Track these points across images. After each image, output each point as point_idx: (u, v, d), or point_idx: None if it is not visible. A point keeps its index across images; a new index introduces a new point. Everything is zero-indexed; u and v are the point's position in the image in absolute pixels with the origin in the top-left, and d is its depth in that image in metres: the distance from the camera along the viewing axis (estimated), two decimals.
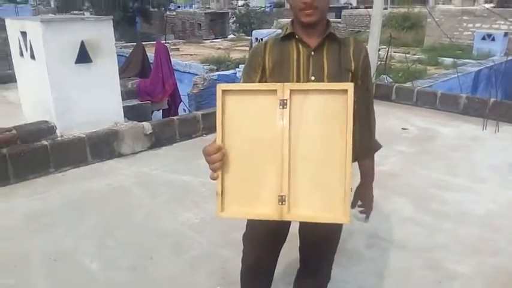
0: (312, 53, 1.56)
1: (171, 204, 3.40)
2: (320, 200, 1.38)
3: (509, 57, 11.47)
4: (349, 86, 1.30)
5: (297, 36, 1.57)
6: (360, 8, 23.99)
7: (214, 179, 1.38)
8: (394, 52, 11.02)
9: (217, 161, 1.36)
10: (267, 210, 1.40)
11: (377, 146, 1.80)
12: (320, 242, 1.80)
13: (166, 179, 3.88)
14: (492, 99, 5.71)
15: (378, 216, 3.22)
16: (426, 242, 2.89)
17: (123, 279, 2.48)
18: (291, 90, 1.34)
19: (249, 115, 1.38)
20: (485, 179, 3.89)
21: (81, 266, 2.60)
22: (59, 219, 3.12)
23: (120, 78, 4.83)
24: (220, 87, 1.36)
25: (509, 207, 3.35)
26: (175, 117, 4.97)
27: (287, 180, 1.37)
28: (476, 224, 3.11)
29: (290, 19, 1.63)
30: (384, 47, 9.37)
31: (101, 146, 4.14)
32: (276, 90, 1.35)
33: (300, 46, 1.57)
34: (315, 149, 1.36)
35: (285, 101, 1.34)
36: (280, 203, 1.38)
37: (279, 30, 1.69)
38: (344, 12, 24.50)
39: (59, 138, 3.96)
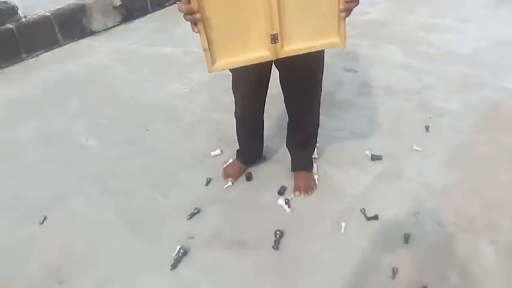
0: None
1: (155, 77, 3.30)
2: (313, 29, 1.33)
3: None
4: None
5: None
6: None
7: (196, 32, 1.29)
8: None
9: (192, 20, 1.25)
10: (260, 53, 1.35)
11: None
12: (301, 87, 1.83)
13: (145, 52, 3.71)
14: None
15: (369, 65, 3.20)
16: (415, 84, 2.92)
17: (123, 151, 2.51)
18: None
19: None
20: (472, 17, 3.80)
21: (77, 144, 2.60)
22: (43, 105, 3.04)
23: None
24: None
25: (496, 42, 3.33)
26: None
27: (277, 17, 1.28)
28: (463, 61, 3.11)
29: None
30: None
31: (70, 24, 3.85)
32: None
33: None
34: None
35: None
36: (273, 42, 1.32)
37: None
38: None
39: (23, 20, 3.64)
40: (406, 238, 1.81)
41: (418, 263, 1.72)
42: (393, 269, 1.69)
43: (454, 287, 1.64)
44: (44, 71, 3.53)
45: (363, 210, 1.97)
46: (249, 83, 1.82)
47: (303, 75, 1.76)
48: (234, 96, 1.97)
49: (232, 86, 1.93)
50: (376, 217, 1.93)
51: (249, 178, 2.22)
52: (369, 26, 3.75)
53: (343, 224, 1.91)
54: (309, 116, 1.97)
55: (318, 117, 2.02)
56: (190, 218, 2.01)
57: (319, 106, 1.96)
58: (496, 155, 2.28)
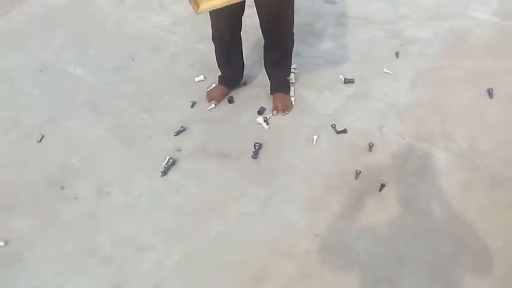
0: None
1: (138, 9, 3.33)
2: None
3: None
4: None
5: None
6: None
7: None
8: None
9: None
10: None
11: None
12: (273, 8, 1.97)
13: None
14: None
15: None
16: (390, 15, 3.04)
17: (111, 79, 2.64)
18: None
19: None
20: None
21: (67, 73, 2.71)
22: (31, 37, 3.09)
23: None
24: None
25: None
26: None
27: None
28: None
29: None
30: None
31: None
32: None
33: None
34: None
35: None
36: None
37: None
38: None
39: None
40: (370, 147, 2.04)
41: (378, 166, 1.96)
42: (356, 171, 1.92)
43: (411, 184, 1.90)
44: (29, 5, 3.52)
45: (333, 126, 2.18)
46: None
47: None
48: (211, 20, 2.09)
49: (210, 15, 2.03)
50: (344, 131, 2.15)
51: (231, 100, 2.40)
52: None
53: (315, 137, 2.13)
54: (282, 35, 2.11)
55: (292, 38, 2.17)
56: (177, 134, 2.20)
57: (292, 26, 2.11)
58: (459, 78, 2.48)
